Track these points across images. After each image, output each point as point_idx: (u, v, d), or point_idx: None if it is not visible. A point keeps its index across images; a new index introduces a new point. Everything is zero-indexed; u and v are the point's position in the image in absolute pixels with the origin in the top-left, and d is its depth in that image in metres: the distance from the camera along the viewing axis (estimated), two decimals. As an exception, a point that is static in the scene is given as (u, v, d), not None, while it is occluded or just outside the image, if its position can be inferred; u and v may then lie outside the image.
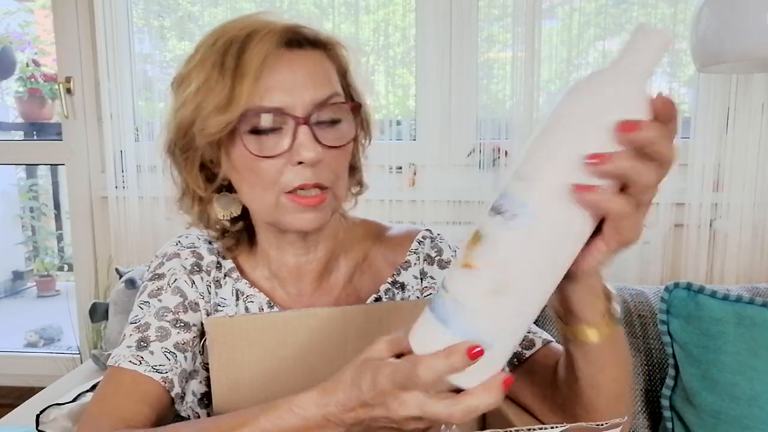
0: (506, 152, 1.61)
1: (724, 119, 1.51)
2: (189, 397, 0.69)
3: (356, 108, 0.65)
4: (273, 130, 0.59)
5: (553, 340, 0.70)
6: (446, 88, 1.63)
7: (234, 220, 0.69)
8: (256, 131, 0.59)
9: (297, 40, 0.61)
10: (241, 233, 0.72)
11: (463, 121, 1.66)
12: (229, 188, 0.67)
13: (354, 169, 0.72)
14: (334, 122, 0.62)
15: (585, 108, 0.41)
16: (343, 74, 0.66)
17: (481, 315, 0.42)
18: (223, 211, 0.67)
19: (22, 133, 2.79)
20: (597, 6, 1.59)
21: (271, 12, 0.62)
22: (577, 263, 0.44)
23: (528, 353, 0.69)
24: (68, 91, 1.77)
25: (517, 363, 0.70)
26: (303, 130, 0.58)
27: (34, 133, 2.62)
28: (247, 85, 0.57)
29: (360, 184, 0.74)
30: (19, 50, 2.62)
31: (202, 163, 0.65)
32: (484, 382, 0.42)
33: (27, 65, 2.53)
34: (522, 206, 0.41)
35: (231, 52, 0.58)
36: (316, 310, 0.67)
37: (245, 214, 0.69)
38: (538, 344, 0.70)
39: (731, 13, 1.15)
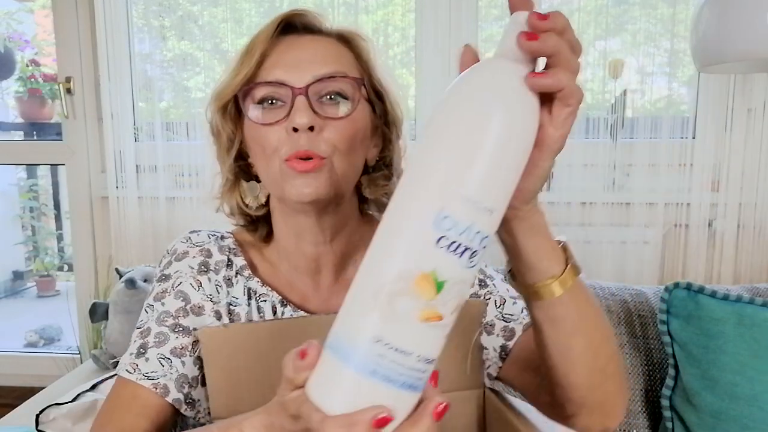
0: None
1: (724, 119, 1.51)
2: (204, 404, 0.68)
3: (358, 82, 0.65)
4: (275, 102, 0.63)
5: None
6: (446, 88, 1.63)
7: (259, 209, 0.72)
8: (261, 104, 0.64)
9: (306, 26, 0.67)
10: (263, 225, 0.73)
11: (463, 121, 1.65)
12: (258, 179, 0.70)
13: (389, 166, 0.73)
14: (338, 97, 0.64)
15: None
16: (365, 64, 0.69)
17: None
18: (250, 197, 0.71)
19: (22, 133, 2.78)
20: (597, 6, 1.59)
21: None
22: (516, 191, 0.43)
23: (511, 344, 0.70)
24: (68, 91, 1.77)
25: (505, 356, 0.70)
26: (300, 99, 0.61)
27: (34, 133, 2.62)
28: (249, 60, 0.63)
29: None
30: (19, 50, 2.61)
31: (239, 151, 0.69)
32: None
33: (27, 65, 2.53)
34: (483, 241, 0.40)
35: (251, 38, 0.65)
36: (313, 317, 0.68)
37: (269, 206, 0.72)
38: (519, 331, 0.70)
39: (731, 13, 1.15)
